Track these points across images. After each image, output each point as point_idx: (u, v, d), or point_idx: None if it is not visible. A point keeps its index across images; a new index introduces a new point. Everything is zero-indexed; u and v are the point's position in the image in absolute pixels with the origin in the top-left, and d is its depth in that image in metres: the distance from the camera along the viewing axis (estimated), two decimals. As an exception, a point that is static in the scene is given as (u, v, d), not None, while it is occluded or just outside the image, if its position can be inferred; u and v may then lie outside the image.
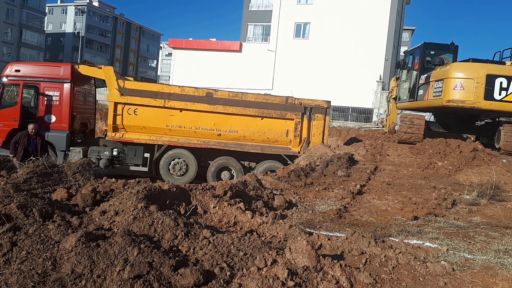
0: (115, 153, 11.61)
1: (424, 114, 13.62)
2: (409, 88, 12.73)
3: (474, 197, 5.98)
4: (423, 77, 11.80)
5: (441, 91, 10.28)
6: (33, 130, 9.32)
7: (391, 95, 16.06)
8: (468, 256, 3.51)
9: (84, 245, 2.73)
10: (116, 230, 3.19)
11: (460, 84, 9.98)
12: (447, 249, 3.62)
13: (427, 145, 10.40)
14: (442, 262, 3.28)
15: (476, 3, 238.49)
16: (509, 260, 3.42)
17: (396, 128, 16.34)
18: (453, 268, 3.19)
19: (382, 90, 30.98)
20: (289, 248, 3.01)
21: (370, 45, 32.04)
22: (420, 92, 11.86)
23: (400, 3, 35.63)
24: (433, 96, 10.79)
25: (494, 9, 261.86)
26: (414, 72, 12.62)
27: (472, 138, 12.73)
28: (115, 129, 11.35)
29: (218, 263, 2.85)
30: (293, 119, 11.37)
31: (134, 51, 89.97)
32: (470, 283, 3.00)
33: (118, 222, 3.37)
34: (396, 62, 14.89)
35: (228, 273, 2.74)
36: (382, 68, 33.68)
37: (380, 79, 31.92)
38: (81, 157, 10.66)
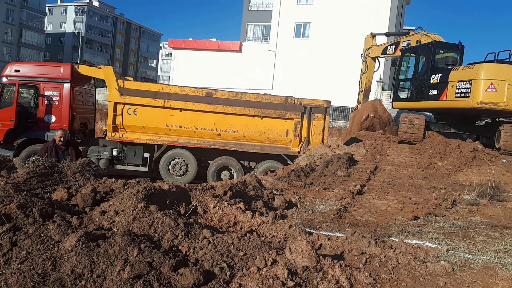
0: (115, 153, 11.61)
1: (424, 114, 13.53)
2: (413, 87, 12.55)
3: (474, 197, 5.98)
4: (436, 76, 11.56)
5: (469, 92, 10.00)
6: (61, 140, 7.44)
7: (368, 53, 16.31)
8: (468, 256, 3.51)
9: (84, 245, 2.73)
10: (116, 230, 3.19)
11: (492, 86, 9.80)
12: (447, 249, 3.62)
13: (427, 145, 10.41)
14: (442, 262, 3.28)
15: (477, 4, 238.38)
16: (509, 260, 3.42)
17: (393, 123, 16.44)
18: (453, 268, 3.19)
19: (382, 90, 30.96)
20: (289, 248, 3.01)
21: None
22: (433, 92, 11.52)
23: (400, 3, 35.63)
24: (456, 97, 10.46)
25: (494, 10, 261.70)
26: (421, 71, 12.48)
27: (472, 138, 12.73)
28: (115, 129, 11.35)
29: (218, 263, 2.85)
30: (293, 119, 11.37)
31: (134, 51, 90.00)
32: (470, 283, 3.00)
33: (118, 222, 3.37)
34: (392, 59, 15.20)
35: (228, 273, 2.74)
36: (382, 68, 33.63)
37: (380, 79, 31.89)
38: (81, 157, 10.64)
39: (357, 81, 17.74)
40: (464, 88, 10.28)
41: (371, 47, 16.40)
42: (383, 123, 15.48)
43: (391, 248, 3.49)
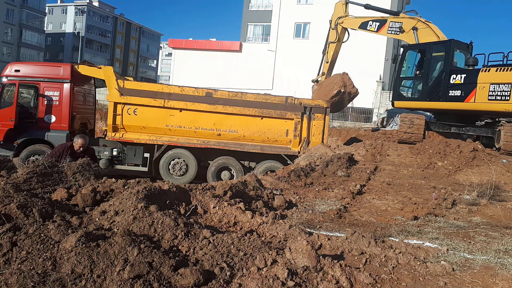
0: (115, 153, 11.61)
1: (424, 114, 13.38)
2: (425, 87, 11.89)
3: (474, 197, 5.98)
4: (460, 77, 11.15)
5: (509, 96, 10.00)
6: (81, 149, 7.13)
7: (341, 22, 14.81)
8: (468, 256, 3.51)
9: (84, 245, 2.73)
10: (116, 230, 3.19)
11: None
12: (447, 249, 3.62)
13: (427, 145, 10.40)
14: (442, 262, 3.28)
15: (476, 3, 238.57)
16: (509, 260, 3.42)
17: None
18: (453, 268, 3.19)
19: (382, 90, 30.97)
20: (289, 248, 3.01)
21: (370, 45, 32.00)
22: (455, 93, 11.15)
23: (400, 3, 35.61)
24: (490, 100, 10.39)
25: (494, 9, 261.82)
26: (435, 70, 11.88)
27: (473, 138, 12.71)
28: (115, 129, 11.35)
29: (218, 263, 2.85)
30: (293, 119, 11.37)
31: (134, 51, 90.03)
32: (470, 283, 3.00)
33: (118, 222, 3.36)
34: (394, 56, 13.67)
35: (228, 273, 2.74)
36: (382, 68, 33.68)
37: (380, 79, 31.92)
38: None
39: (322, 50, 16.35)
40: (501, 91, 10.22)
41: (345, 16, 14.98)
42: (350, 98, 14.24)
43: (391, 248, 3.49)
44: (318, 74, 16.24)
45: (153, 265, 2.63)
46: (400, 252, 3.42)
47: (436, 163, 9.18)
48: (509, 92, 10.04)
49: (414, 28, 12.81)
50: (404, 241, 3.76)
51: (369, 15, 15.13)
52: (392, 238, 3.89)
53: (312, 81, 16.31)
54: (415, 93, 12.59)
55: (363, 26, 14.61)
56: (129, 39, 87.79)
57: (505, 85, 10.07)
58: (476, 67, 11.44)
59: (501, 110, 10.36)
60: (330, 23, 15.57)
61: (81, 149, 7.09)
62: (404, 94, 12.95)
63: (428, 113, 13.42)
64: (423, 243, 3.78)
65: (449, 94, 11.26)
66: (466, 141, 11.07)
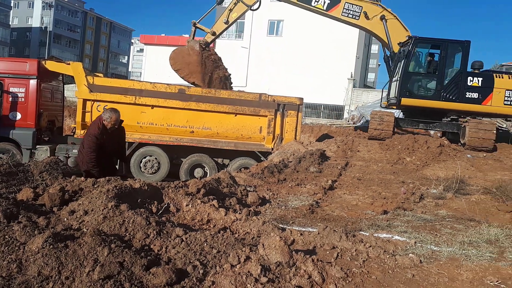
0: (84, 151, 11.30)
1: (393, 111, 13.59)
2: (439, 86, 11.45)
3: (441, 191, 6.19)
4: (476, 80, 11.29)
5: None
6: (115, 126, 6.08)
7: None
8: (435, 248, 3.63)
9: (51, 246, 2.65)
10: (85, 230, 3.12)
11: None
12: (415, 242, 3.74)
13: (396, 141, 10.67)
14: (410, 254, 3.38)
15: (447, 3, 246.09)
16: (473, 251, 3.56)
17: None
18: (420, 260, 3.29)
19: (353, 87, 31.53)
20: (262, 244, 3.02)
21: (342, 43, 32.51)
22: (472, 95, 11.27)
23: (370, 2, 36.25)
24: (505, 104, 11.22)
25: (466, 9, 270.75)
26: (450, 70, 11.63)
27: (439, 134, 13.13)
28: (84, 126, 11.06)
29: (191, 261, 2.84)
30: (266, 116, 11.41)
31: (105, 47, 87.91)
32: (437, 274, 3.10)
33: (88, 221, 3.29)
34: (406, 50, 11.59)
35: (201, 271, 2.73)
36: (353, 66, 34.27)
37: (351, 77, 32.46)
38: (48, 155, 10.34)
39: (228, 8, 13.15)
40: None
41: None
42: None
43: (362, 242, 3.57)
44: (211, 28, 13.12)
45: (124, 265, 2.59)
46: (370, 246, 3.50)
47: (404, 159, 9.43)
48: None
49: (383, 17, 12.14)
50: (374, 235, 3.85)
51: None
52: (363, 232, 3.98)
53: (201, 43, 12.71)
54: (428, 92, 11.68)
55: (306, 0, 12.62)
56: (99, 35, 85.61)
57: None
58: (481, 70, 11.75)
59: None
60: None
61: (116, 126, 6.01)
62: (415, 92, 11.73)
63: (397, 110, 13.63)
64: (392, 237, 3.88)
65: (466, 96, 11.29)
66: (433, 137, 11.43)
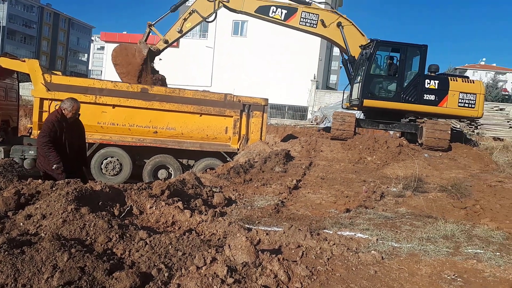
0: (41, 152, 10.83)
1: (354, 112, 13.91)
2: (399, 88, 11.67)
3: (400, 189, 6.42)
4: (434, 82, 11.65)
5: (474, 104, 11.68)
6: (76, 115, 5.93)
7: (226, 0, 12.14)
8: (395, 245, 3.76)
9: (6, 252, 2.52)
10: (43, 235, 2.99)
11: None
12: (377, 239, 3.85)
13: (357, 141, 10.94)
14: (373, 251, 3.48)
15: (406, 4, 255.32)
16: (431, 247, 3.72)
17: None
18: (382, 257, 3.40)
19: (316, 89, 32.11)
20: (229, 245, 3.02)
21: (305, 45, 32.96)
22: (429, 97, 11.62)
23: (333, 5, 37.04)
24: (459, 106, 11.67)
25: (423, 11, 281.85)
26: (409, 73, 11.95)
27: (398, 134, 13.59)
28: (42, 127, 10.60)
29: (156, 264, 2.79)
30: (232, 116, 11.40)
31: (63, 44, 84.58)
32: (398, 270, 3.22)
33: (46, 226, 3.16)
34: (368, 53, 11.76)
35: (166, 274, 2.69)
36: (316, 67, 34.90)
37: (314, 78, 33.04)
38: (2, 157, 9.83)
39: (173, 7, 12.91)
40: (468, 100, 11.68)
41: None
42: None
43: (326, 240, 3.64)
44: (164, 35, 12.82)
45: (85, 270, 2.50)
46: (334, 244, 3.57)
47: (365, 158, 9.71)
48: (474, 101, 11.65)
49: (339, 24, 12.36)
50: (338, 233, 3.94)
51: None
52: (327, 231, 4.06)
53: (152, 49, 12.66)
54: (388, 93, 11.99)
55: (263, 11, 12.49)
56: (57, 31, 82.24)
57: (472, 94, 11.68)
58: (437, 73, 12.22)
59: (468, 115, 12.05)
60: None
61: (76, 116, 5.86)
62: (376, 93, 12.01)
63: (358, 111, 13.96)
64: (355, 234, 3.99)
65: (424, 98, 11.68)
66: (393, 137, 11.82)
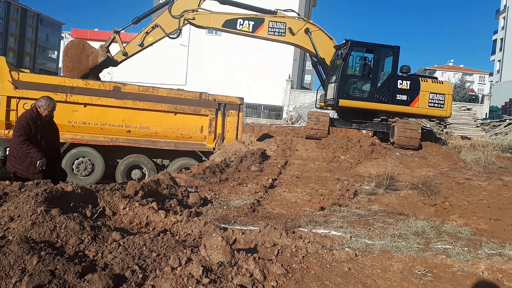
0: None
1: (328, 111, 14.11)
2: (373, 88, 11.88)
3: (373, 187, 6.56)
4: (406, 83, 11.90)
5: (443, 104, 12.08)
6: (52, 114, 5.76)
7: (191, 17, 12.23)
8: (369, 242, 3.84)
9: (-29, 257, 2.42)
10: (11, 238, 2.89)
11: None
12: (350, 237, 3.92)
13: (331, 140, 11.10)
14: (346, 249, 3.54)
15: (380, 4, 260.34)
16: (402, 243, 3.81)
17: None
18: (356, 254, 3.46)
19: (291, 88, 32.34)
20: (204, 245, 3.00)
21: (279, 45, 33.00)
22: (401, 97, 11.88)
23: (307, 6, 37.42)
24: (430, 106, 12.02)
25: (396, 11, 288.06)
26: (382, 73, 12.17)
27: (371, 134, 13.86)
28: (9, 126, 10.22)
29: (130, 266, 2.74)
30: (207, 115, 11.31)
31: (31, 40, 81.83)
32: (371, 266, 3.28)
33: (14, 229, 3.05)
34: (343, 53, 11.81)
35: (140, 276, 2.64)
36: (291, 67, 35.16)
37: (289, 78, 33.27)
38: (-33, 157, 9.43)
39: (136, 19, 12.43)
40: (438, 100, 12.07)
41: (197, 10, 12.50)
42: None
43: (301, 238, 3.68)
44: (124, 46, 12.36)
45: (56, 273, 2.43)
46: (309, 242, 3.61)
47: (339, 157, 9.86)
48: (443, 102, 12.05)
49: (307, 30, 12.47)
50: (312, 231, 3.98)
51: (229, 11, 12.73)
52: (302, 229, 4.09)
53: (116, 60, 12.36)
54: (363, 94, 12.18)
55: (230, 25, 12.52)
56: (25, 27, 79.49)
57: (441, 95, 12.06)
58: (408, 74, 12.51)
59: (438, 115, 12.52)
60: (169, 8, 12.29)
61: (52, 115, 5.68)
62: (351, 94, 12.15)
63: (332, 111, 14.17)
64: (329, 232, 4.04)
65: (396, 98, 11.96)
66: (365, 136, 12.05)
